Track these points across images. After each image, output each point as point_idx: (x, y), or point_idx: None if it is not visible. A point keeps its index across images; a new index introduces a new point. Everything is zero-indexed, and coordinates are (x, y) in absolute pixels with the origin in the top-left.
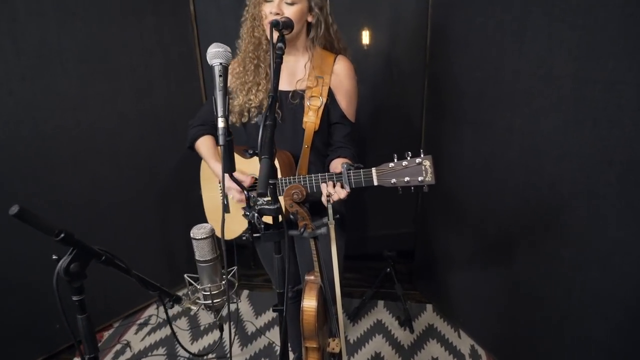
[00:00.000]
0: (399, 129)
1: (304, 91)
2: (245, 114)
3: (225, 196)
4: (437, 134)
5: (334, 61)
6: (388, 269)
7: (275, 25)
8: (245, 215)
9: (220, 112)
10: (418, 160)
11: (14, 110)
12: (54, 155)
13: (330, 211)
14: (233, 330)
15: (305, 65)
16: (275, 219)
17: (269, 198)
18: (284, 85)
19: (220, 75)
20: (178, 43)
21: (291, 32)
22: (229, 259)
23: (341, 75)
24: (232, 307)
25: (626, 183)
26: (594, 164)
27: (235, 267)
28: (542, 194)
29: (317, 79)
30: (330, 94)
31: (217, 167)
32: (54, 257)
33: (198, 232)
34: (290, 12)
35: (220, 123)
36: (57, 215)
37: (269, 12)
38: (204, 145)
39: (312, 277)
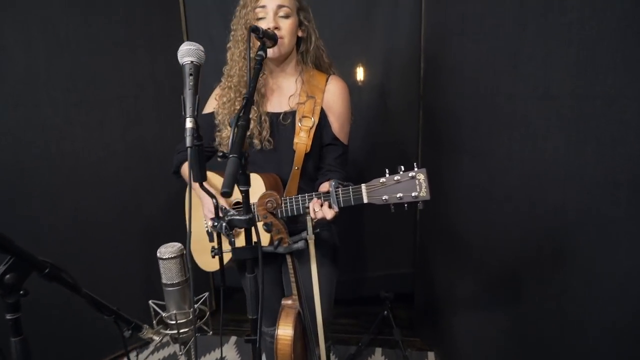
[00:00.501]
0: (395, 162)
1: (295, 111)
2: None
3: (190, 209)
4: (434, 166)
5: (327, 81)
6: (385, 312)
7: (254, 30)
8: (213, 227)
9: (188, 112)
10: (411, 174)
11: None
12: (34, 184)
13: (309, 224)
14: None
15: (295, 80)
16: (247, 233)
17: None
18: (274, 107)
19: (190, 74)
20: (171, 77)
21: (274, 46)
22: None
23: (334, 94)
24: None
25: (636, 204)
26: (600, 186)
27: (207, 294)
28: (546, 222)
29: (308, 98)
30: (322, 114)
31: (201, 192)
32: None
33: (165, 251)
34: (286, 25)
35: (188, 124)
36: (34, 246)
37: (265, 28)
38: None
39: (289, 302)
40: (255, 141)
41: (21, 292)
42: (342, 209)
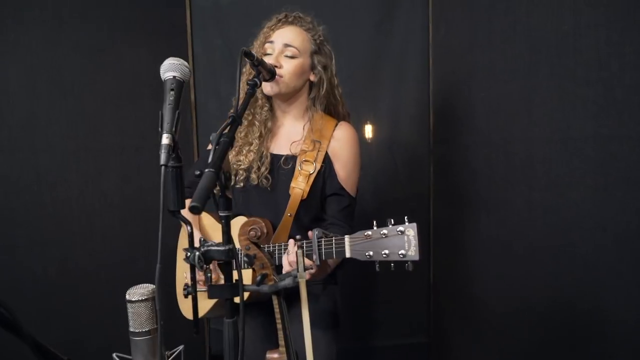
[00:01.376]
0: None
1: (297, 156)
2: (232, 177)
3: (160, 240)
4: (447, 222)
5: (335, 126)
6: None
7: (246, 54)
8: (185, 259)
9: (165, 128)
10: (400, 228)
11: None
12: (21, 231)
13: (300, 259)
14: None
15: (303, 126)
16: (227, 268)
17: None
18: (278, 149)
19: (171, 89)
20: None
21: (270, 80)
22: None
23: (341, 141)
24: None
25: None
26: (632, 234)
27: (182, 347)
28: (577, 278)
29: (314, 143)
30: (327, 162)
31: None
32: None
33: (135, 292)
34: (289, 65)
35: (165, 140)
36: (15, 297)
37: (270, 63)
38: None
39: (275, 355)
40: (253, 176)
41: None
42: (344, 266)
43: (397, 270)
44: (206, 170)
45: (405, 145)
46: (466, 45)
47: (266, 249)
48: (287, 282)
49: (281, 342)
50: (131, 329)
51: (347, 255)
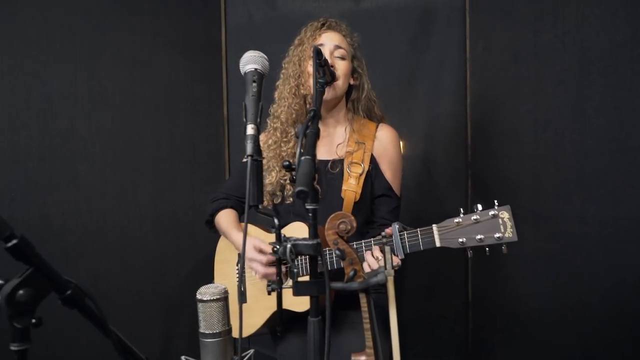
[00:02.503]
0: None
1: (343, 159)
2: (278, 193)
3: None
4: None
5: (377, 128)
6: None
7: (318, 51)
8: (273, 252)
9: (250, 118)
10: (492, 212)
11: (25, 189)
12: (56, 241)
13: (388, 256)
14: None
15: (345, 129)
16: (312, 264)
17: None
18: (323, 154)
19: (254, 81)
20: (208, 142)
21: (330, 83)
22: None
23: (385, 142)
24: None
25: None
26: None
27: (252, 351)
28: (637, 294)
29: (358, 144)
30: (373, 163)
31: (239, 237)
32: None
33: (206, 291)
34: (341, 66)
35: (250, 130)
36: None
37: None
38: (226, 217)
39: (362, 358)
40: None
41: (33, 318)
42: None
43: (434, 287)
44: (303, 157)
45: (441, 159)
46: (509, 59)
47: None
48: (380, 278)
49: (368, 342)
50: (201, 330)
51: (437, 244)
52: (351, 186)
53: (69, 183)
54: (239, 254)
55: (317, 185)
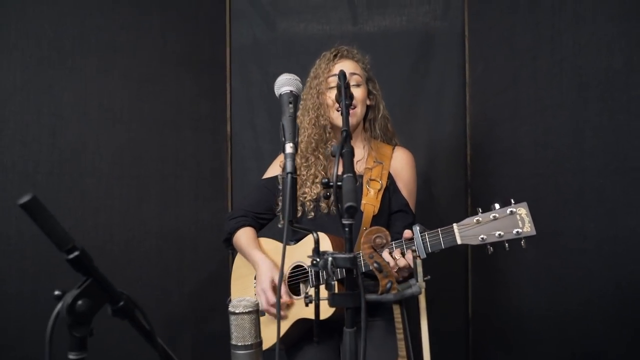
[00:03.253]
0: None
1: (362, 175)
2: (299, 208)
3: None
4: (488, 255)
5: (393, 149)
6: None
7: (343, 76)
8: (312, 265)
9: (288, 138)
10: (510, 209)
11: None
12: (62, 255)
13: (419, 269)
14: None
15: (364, 147)
16: (348, 276)
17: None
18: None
19: (290, 103)
20: (211, 159)
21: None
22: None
23: (402, 162)
24: None
25: None
26: None
27: None
28: (638, 311)
29: (376, 163)
30: (391, 180)
31: (258, 255)
32: (56, 292)
33: (239, 304)
34: (357, 93)
35: (289, 149)
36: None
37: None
38: (245, 235)
39: None
40: (322, 205)
41: (90, 328)
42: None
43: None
44: (345, 175)
45: (442, 179)
46: (508, 82)
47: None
48: (414, 290)
49: (401, 352)
50: (233, 342)
51: (459, 242)
52: (370, 200)
53: (77, 197)
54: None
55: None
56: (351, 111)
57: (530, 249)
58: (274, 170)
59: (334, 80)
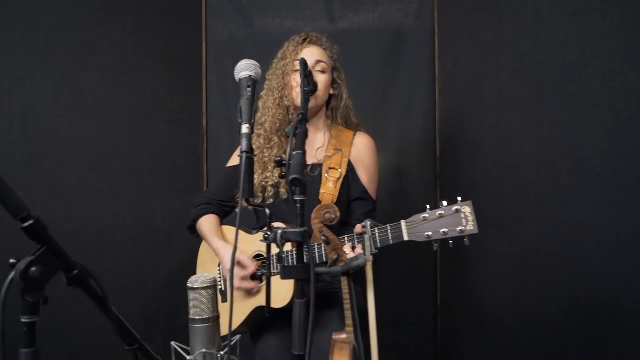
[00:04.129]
0: (412, 244)
1: (322, 163)
2: (260, 194)
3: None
4: (454, 243)
5: (354, 135)
6: None
7: (304, 62)
8: (264, 239)
9: (245, 119)
10: (456, 207)
11: None
12: (35, 246)
13: (367, 244)
14: None
15: (324, 134)
16: (299, 250)
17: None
18: None
19: (248, 86)
20: (186, 154)
21: (313, 95)
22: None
23: (362, 148)
24: None
25: None
26: None
27: (239, 337)
28: (590, 291)
29: (336, 151)
30: (351, 168)
31: (219, 244)
32: (11, 260)
33: (197, 280)
34: (321, 79)
35: (245, 129)
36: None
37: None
38: (207, 223)
39: (342, 336)
40: (282, 190)
41: (44, 294)
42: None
43: (404, 291)
44: (295, 152)
45: (413, 171)
46: (474, 77)
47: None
48: (360, 262)
49: (348, 322)
50: (191, 316)
51: (406, 238)
52: (329, 189)
53: (49, 189)
54: (218, 264)
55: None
56: (314, 95)
57: (493, 238)
58: (236, 158)
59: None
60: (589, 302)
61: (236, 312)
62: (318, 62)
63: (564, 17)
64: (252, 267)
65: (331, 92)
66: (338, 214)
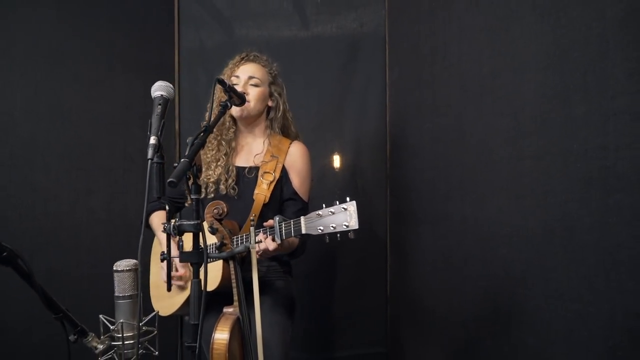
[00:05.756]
0: (367, 242)
1: (259, 167)
2: (203, 190)
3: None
4: (401, 239)
5: (290, 144)
6: None
7: (220, 81)
8: (164, 230)
9: (153, 132)
10: (344, 206)
11: None
12: (13, 241)
13: (252, 234)
14: None
15: (263, 142)
16: (195, 239)
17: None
18: (242, 162)
19: (159, 104)
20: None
21: (241, 104)
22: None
23: (295, 155)
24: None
25: (571, 251)
26: (540, 237)
27: (157, 312)
28: (499, 279)
29: (272, 157)
30: (284, 172)
31: (163, 237)
32: None
33: (121, 264)
34: (254, 92)
35: (152, 140)
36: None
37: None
38: (156, 218)
39: (230, 310)
40: (222, 187)
41: None
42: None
43: (356, 281)
44: (182, 159)
45: (367, 171)
46: (414, 85)
47: (236, 239)
48: (240, 248)
49: (235, 297)
50: (116, 294)
51: (303, 231)
52: (262, 190)
53: (27, 188)
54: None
55: (235, 185)
56: (244, 105)
57: (428, 234)
58: None
59: (236, 80)
60: (497, 291)
61: (179, 296)
62: (251, 77)
63: (479, 32)
64: (180, 270)
65: (269, 104)
66: (225, 209)
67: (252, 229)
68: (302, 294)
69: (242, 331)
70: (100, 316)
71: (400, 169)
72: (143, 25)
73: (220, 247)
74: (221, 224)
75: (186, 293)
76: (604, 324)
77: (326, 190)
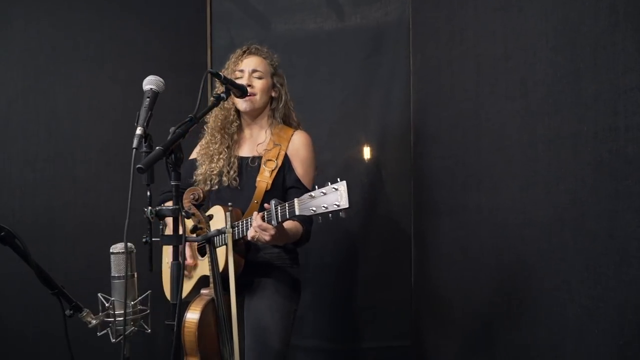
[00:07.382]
0: (391, 232)
1: (262, 156)
2: (208, 182)
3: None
4: (424, 230)
5: (293, 133)
6: None
7: (214, 74)
8: (144, 215)
9: (140, 123)
10: (334, 186)
11: (32, 185)
12: (57, 228)
13: (228, 219)
14: None
15: (266, 131)
16: (175, 224)
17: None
18: (245, 152)
19: (148, 97)
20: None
21: (242, 97)
22: None
23: (298, 144)
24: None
25: (582, 241)
26: (550, 226)
27: (150, 292)
28: (511, 269)
29: (275, 146)
30: (287, 160)
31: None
32: None
33: (117, 246)
34: (259, 84)
35: (138, 131)
36: None
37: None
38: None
39: (206, 291)
40: (224, 179)
41: None
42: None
43: (381, 273)
44: (158, 147)
45: (390, 162)
46: (434, 72)
47: (237, 225)
48: (212, 233)
49: (211, 279)
50: (112, 274)
51: (297, 212)
52: (264, 178)
53: (69, 181)
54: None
55: (237, 177)
56: (251, 98)
57: (446, 223)
58: (194, 153)
59: (239, 74)
60: (509, 281)
61: (188, 282)
62: (254, 70)
63: (493, 12)
64: (188, 260)
65: (273, 94)
66: (202, 195)
67: (228, 214)
68: (327, 285)
69: (216, 312)
70: (99, 295)
71: (423, 160)
72: (176, 25)
73: (194, 230)
74: (198, 209)
75: (193, 281)
76: (614, 319)
77: (352, 182)
